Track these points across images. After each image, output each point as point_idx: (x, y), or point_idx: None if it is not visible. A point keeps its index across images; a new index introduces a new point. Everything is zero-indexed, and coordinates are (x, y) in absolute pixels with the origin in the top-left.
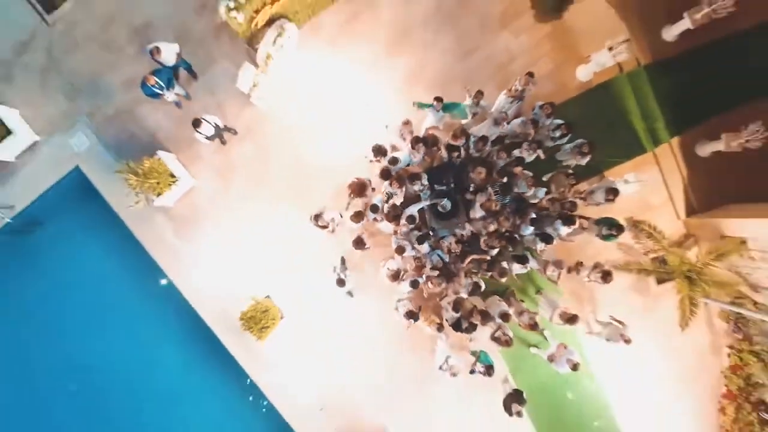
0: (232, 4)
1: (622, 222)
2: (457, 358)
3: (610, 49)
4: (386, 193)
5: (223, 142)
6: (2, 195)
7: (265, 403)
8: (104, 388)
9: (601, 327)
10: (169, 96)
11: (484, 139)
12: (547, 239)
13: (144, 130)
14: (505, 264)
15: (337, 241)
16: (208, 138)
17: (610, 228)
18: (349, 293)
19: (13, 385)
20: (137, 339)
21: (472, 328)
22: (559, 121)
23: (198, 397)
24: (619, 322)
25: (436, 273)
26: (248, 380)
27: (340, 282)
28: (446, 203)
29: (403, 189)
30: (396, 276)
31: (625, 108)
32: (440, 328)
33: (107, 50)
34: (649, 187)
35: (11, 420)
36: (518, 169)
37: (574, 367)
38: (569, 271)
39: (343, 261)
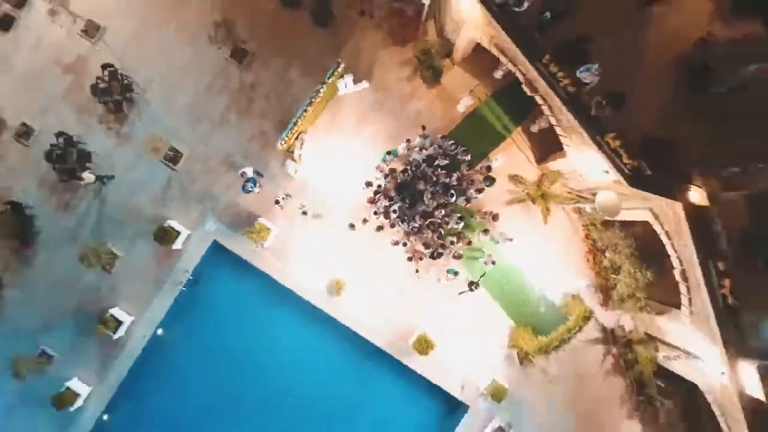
0: (283, 143)
1: (504, 177)
2: (440, 272)
3: (470, 92)
4: (383, 205)
5: (282, 206)
6: (183, 265)
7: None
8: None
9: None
10: (255, 190)
11: (418, 164)
12: (468, 200)
13: (242, 209)
14: (448, 220)
15: (356, 236)
16: (280, 205)
17: (484, 181)
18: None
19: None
20: (272, 328)
21: (440, 255)
22: (452, 141)
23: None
24: (510, 239)
25: (416, 231)
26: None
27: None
28: (409, 200)
29: (387, 199)
30: (396, 243)
31: (488, 119)
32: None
33: (211, 174)
34: (515, 158)
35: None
36: (438, 171)
37: (493, 262)
38: (486, 215)
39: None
